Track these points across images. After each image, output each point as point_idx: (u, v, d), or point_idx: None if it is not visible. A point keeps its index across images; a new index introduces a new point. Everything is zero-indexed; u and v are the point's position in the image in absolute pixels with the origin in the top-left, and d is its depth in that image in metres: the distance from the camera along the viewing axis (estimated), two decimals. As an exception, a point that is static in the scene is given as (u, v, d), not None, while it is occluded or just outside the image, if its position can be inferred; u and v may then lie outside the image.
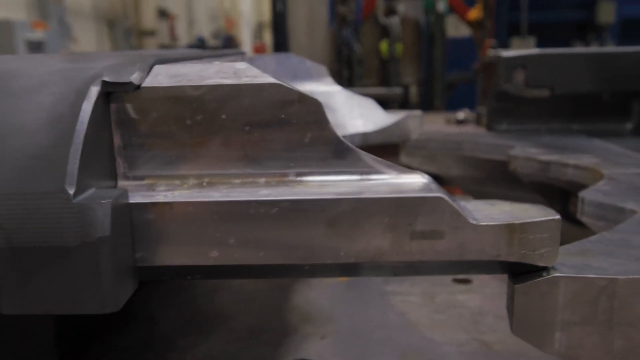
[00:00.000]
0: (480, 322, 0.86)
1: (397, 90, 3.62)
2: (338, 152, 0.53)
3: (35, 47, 5.23)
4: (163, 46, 8.13)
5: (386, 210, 0.49)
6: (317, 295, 0.98)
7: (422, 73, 5.73)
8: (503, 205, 0.53)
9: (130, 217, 0.50)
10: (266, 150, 0.53)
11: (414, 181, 0.51)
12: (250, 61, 0.91)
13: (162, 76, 0.54)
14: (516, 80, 1.20)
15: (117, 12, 8.42)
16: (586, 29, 6.78)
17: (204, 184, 0.53)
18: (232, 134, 0.53)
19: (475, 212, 0.51)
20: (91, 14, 7.81)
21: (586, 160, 0.95)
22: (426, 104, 5.59)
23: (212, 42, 8.44)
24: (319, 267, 0.51)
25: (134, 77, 0.52)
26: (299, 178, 0.53)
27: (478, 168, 1.17)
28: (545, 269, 0.51)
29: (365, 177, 0.52)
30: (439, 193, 0.48)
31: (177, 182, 0.53)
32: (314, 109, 0.52)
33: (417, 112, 1.21)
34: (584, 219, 0.74)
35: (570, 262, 0.52)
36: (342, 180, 0.52)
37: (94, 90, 0.50)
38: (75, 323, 0.78)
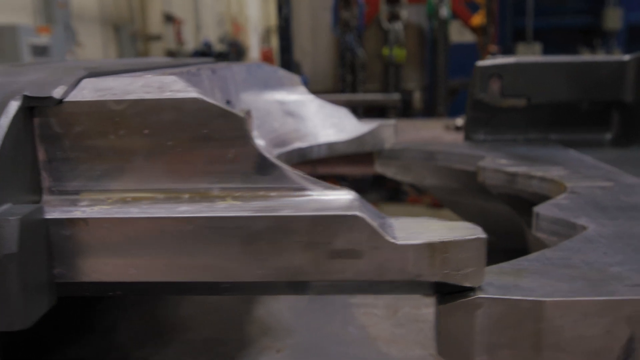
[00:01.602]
0: (440, 337, 0.84)
1: (395, 96, 3.59)
2: (262, 168, 0.52)
3: (40, 51, 5.28)
4: (169, 51, 8.19)
5: (304, 228, 0.48)
6: (280, 306, 0.97)
7: (426, 79, 5.71)
8: (432, 224, 0.52)
9: (47, 233, 0.49)
10: (189, 165, 0.52)
11: (338, 198, 0.50)
12: (213, 72, 0.91)
13: (88, 90, 0.53)
14: (492, 90, 1.19)
15: (123, 17, 8.48)
16: (593, 35, 6.72)
17: (129, 199, 0.52)
18: (155, 149, 0.52)
19: (399, 231, 0.49)
20: (97, 19, 7.87)
21: (554, 172, 0.93)
22: (429, 110, 5.57)
23: (218, 46, 8.46)
24: (239, 285, 0.50)
25: (56, 92, 0.51)
26: (222, 194, 0.52)
27: (452, 178, 1.16)
28: (472, 289, 0.49)
29: (288, 193, 0.51)
30: (357, 212, 0.47)
31: (102, 197, 0.53)
32: (236, 125, 0.51)
33: (391, 121, 1.21)
34: (539, 235, 0.73)
35: (499, 282, 0.51)
36: (265, 197, 0.51)
37: (14, 105, 0.50)
38: (24, 335, 0.77)
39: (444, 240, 0.48)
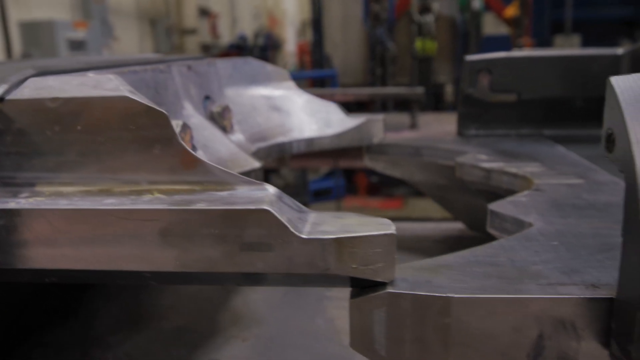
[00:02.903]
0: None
1: (418, 90, 3.54)
2: (186, 163, 0.54)
3: (77, 46, 5.45)
4: (204, 44, 8.31)
5: (215, 221, 0.49)
6: (256, 297, 0.99)
7: (457, 72, 5.63)
8: (349, 219, 0.53)
9: (-16, 222, 0.52)
10: (120, 160, 0.54)
11: (256, 193, 0.52)
12: (190, 68, 0.93)
13: (29, 89, 0.56)
14: (481, 85, 1.18)
15: (159, 11, 8.65)
16: (634, 27, 6.49)
17: (63, 192, 0.55)
18: (88, 145, 0.54)
19: (313, 226, 0.51)
20: (133, 13, 8.06)
21: (528, 168, 0.92)
22: (461, 103, 5.49)
23: (254, 40, 8.53)
24: (160, 274, 0.52)
25: (-2, 90, 0.55)
26: (150, 188, 0.54)
27: (438, 174, 1.15)
28: (384, 284, 0.50)
29: (212, 187, 0.53)
30: (266, 206, 0.49)
31: (41, 190, 0.56)
32: (161, 122, 0.53)
33: (379, 117, 1.21)
34: (492, 231, 0.73)
35: (413, 278, 0.51)
36: (189, 191, 0.53)
37: (-42, 102, 0.53)
38: (3, 320, 0.82)
39: (351, 235, 0.49)
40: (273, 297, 0.99)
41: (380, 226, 0.50)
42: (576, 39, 6.53)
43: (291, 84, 1.19)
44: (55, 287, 1.00)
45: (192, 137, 0.78)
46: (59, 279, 0.55)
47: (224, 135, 0.90)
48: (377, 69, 5.37)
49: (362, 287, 0.51)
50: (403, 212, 5.39)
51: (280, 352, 0.82)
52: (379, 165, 1.22)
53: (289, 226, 0.48)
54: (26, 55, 5.16)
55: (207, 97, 0.97)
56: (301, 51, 9.26)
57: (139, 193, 0.54)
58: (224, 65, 1.08)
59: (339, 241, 0.48)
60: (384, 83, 5.31)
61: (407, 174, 1.21)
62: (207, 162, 0.54)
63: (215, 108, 0.95)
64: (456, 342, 0.49)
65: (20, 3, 5.75)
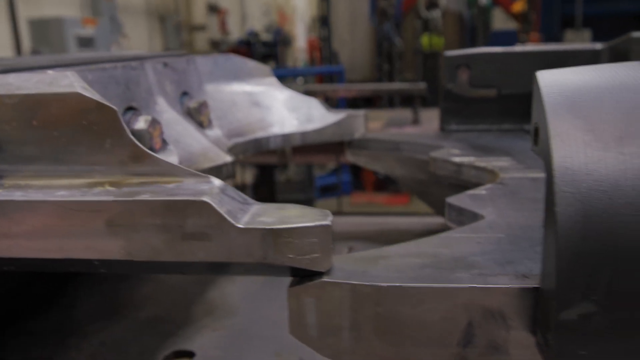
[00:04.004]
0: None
1: (421, 85, 3.54)
2: (136, 157, 0.56)
3: (86, 43, 5.51)
4: (213, 41, 8.35)
5: (157, 212, 0.51)
6: (233, 289, 1.02)
7: (465, 67, 5.61)
8: (290, 210, 0.54)
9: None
10: (74, 155, 0.57)
11: (200, 186, 0.54)
12: (165, 65, 0.96)
13: (-10, 85, 0.59)
14: (460, 80, 1.19)
15: (168, 8, 8.71)
16: (647, 21, 6.42)
17: (22, 185, 0.58)
18: (44, 139, 0.57)
19: (254, 216, 0.53)
20: (143, 10, 8.11)
21: (498, 163, 0.93)
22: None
23: (264, 36, 8.55)
24: (108, 262, 0.54)
25: (-41, 87, 0.57)
26: (102, 180, 0.56)
27: (418, 169, 1.17)
28: (320, 273, 0.52)
29: (160, 180, 0.55)
30: (206, 198, 0.51)
31: (3, 182, 0.58)
32: (110, 117, 0.56)
33: (360, 112, 1.22)
34: (450, 224, 0.74)
35: (350, 268, 0.53)
36: (139, 184, 0.55)
37: None
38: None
39: (287, 226, 0.50)
40: (249, 289, 1.01)
41: (318, 217, 0.52)
42: (587, 33, 6.47)
43: (273, 80, 1.21)
44: (39, 277, 1.03)
45: (162, 132, 0.80)
46: (16, 268, 0.58)
47: (197, 131, 0.92)
48: (384, 64, 5.37)
49: (302, 276, 0.53)
50: (409, 207, 5.40)
51: (248, 342, 0.84)
52: (361, 160, 1.24)
53: (227, 217, 0.50)
54: (35, 52, 5.24)
55: (185, 93, 1.00)
56: (311, 47, 9.27)
57: (91, 185, 0.56)
58: (204, 62, 1.11)
59: (275, 231, 0.50)
60: (390, 79, 5.31)
61: (387, 168, 1.22)
62: (156, 155, 0.56)
63: (192, 104, 0.98)
64: (388, 330, 0.50)
65: (30, 0, 5.84)
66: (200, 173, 0.56)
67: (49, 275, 1.05)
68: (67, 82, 0.57)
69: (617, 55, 1.11)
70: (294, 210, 0.55)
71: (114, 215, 0.52)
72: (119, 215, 0.52)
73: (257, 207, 0.55)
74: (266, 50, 7.98)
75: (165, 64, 0.95)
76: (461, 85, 1.19)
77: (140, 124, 0.76)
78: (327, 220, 0.52)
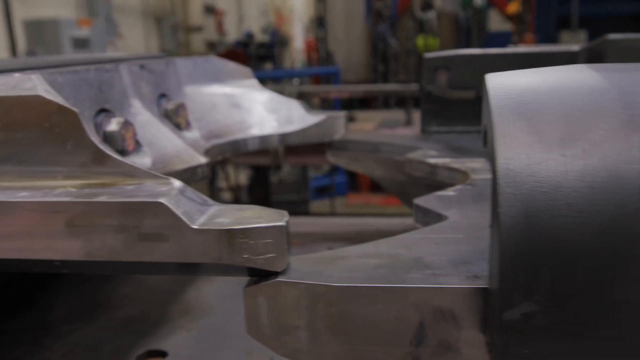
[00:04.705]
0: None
1: (413, 87, 3.56)
2: (97, 158, 0.57)
3: (81, 44, 5.52)
4: (210, 42, 8.37)
5: (115, 213, 0.52)
6: (211, 289, 1.02)
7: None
8: (248, 211, 0.55)
9: None
10: (37, 156, 0.58)
11: (159, 187, 0.55)
12: (142, 67, 0.96)
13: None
14: (439, 82, 1.19)
15: (165, 8, 8.73)
16: (643, 22, 6.43)
17: (-14, 184, 0.58)
18: (6, 141, 0.58)
19: (210, 217, 0.53)
20: (139, 11, 8.13)
21: (473, 164, 0.93)
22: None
23: (261, 37, 8.56)
24: (68, 263, 0.55)
25: None
26: (63, 182, 0.57)
27: (397, 170, 1.17)
28: (276, 273, 0.53)
29: (121, 181, 0.56)
30: (162, 199, 0.51)
31: (-32, 183, 0.59)
32: (72, 119, 0.56)
33: (340, 113, 1.23)
34: (417, 225, 0.75)
35: (306, 269, 0.54)
36: (100, 185, 0.56)
37: None
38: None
39: (242, 227, 0.51)
40: (226, 289, 1.02)
41: (274, 218, 0.53)
42: (582, 34, 6.48)
43: (254, 81, 1.22)
44: (17, 278, 1.04)
45: (135, 134, 0.81)
46: (-19, 267, 0.58)
47: (172, 132, 0.92)
48: (379, 65, 5.38)
49: (258, 276, 0.54)
50: (405, 208, 5.40)
51: (220, 341, 0.84)
52: (342, 162, 1.25)
53: (183, 218, 0.51)
54: (31, 53, 5.25)
55: (163, 95, 1.00)
56: (309, 48, 9.28)
57: (53, 187, 0.57)
58: (184, 64, 1.11)
59: (230, 232, 0.51)
60: (386, 80, 5.32)
61: (368, 169, 1.23)
62: (117, 157, 0.57)
63: (170, 106, 0.98)
64: (342, 329, 0.51)
65: (26, 1, 5.85)
66: (160, 175, 0.57)
67: (29, 277, 1.05)
68: (31, 85, 0.58)
69: (593, 57, 1.12)
70: (252, 211, 0.55)
71: (73, 216, 0.53)
72: (78, 216, 0.53)
73: (216, 208, 0.56)
74: (263, 51, 7.99)
75: (142, 66, 0.96)
76: (440, 87, 1.19)
77: (113, 125, 0.77)
78: (283, 221, 0.52)
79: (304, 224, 1.50)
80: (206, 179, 0.91)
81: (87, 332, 0.89)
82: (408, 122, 1.75)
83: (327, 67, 5.65)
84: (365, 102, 5.44)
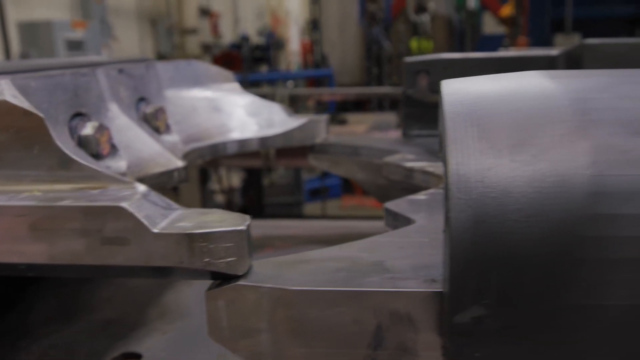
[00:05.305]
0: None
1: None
2: (64, 163, 0.57)
3: (75, 46, 5.52)
4: (205, 44, 8.38)
5: (77, 217, 0.53)
6: (190, 292, 1.03)
7: (454, 71, 5.64)
8: (211, 215, 0.56)
9: None
10: (3, 160, 0.58)
11: (123, 192, 0.56)
12: (121, 71, 0.97)
13: None
14: (420, 86, 1.20)
15: (160, 11, 8.74)
16: (636, 25, 6.46)
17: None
18: (-26, 145, 0.58)
19: (172, 222, 0.54)
20: (134, 13, 8.14)
21: (448, 168, 0.94)
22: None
23: (256, 39, 8.57)
24: (33, 266, 0.56)
25: None
26: (30, 186, 0.58)
27: (378, 174, 1.18)
28: (237, 277, 0.53)
29: (86, 186, 0.57)
30: (123, 204, 0.52)
31: None
32: (38, 124, 0.57)
33: (322, 117, 1.24)
34: (387, 229, 0.75)
35: (267, 272, 0.54)
36: (65, 189, 0.57)
37: None
38: None
39: (202, 231, 0.52)
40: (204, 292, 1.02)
41: (235, 223, 0.53)
42: (576, 37, 6.50)
43: (235, 85, 1.23)
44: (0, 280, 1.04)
45: (110, 138, 0.81)
46: (-53, 271, 0.59)
47: (150, 136, 0.93)
48: (373, 68, 5.40)
49: (222, 279, 0.54)
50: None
51: (194, 343, 0.85)
52: (323, 165, 1.25)
53: (144, 222, 0.52)
54: (24, 56, 5.25)
55: (142, 99, 1.01)
56: (305, 50, 9.29)
57: (19, 191, 0.57)
58: (165, 68, 1.12)
59: (190, 236, 0.52)
60: (379, 82, 5.34)
61: (349, 173, 1.24)
62: (83, 162, 0.58)
63: (149, 110, 0.99)
64: (300, 332, 0.52)
65: (20, 3, 5.85)
66: (125, 179, 0.58)
67: (8, 280, 1.06)
68: (-3, 90, 0.59)
69: (571, 62, 1.13)
70: (215, 215, 0.56)
71: (37, 220, 0.54)
72: (42, 220, 0.53)
73: (179, 212, 0.57)
74: (259, 54, 8.00)
75: (121, 70, 0.96)
76: (421, 91, 1.20)
77: (87, 129, 0.78)
78: (244, 225, 0.53)
79: (290, 227, 1.51)
80: (183, 183, 0.92)
81: (64, 335, 0.89)
82: (400, 125, 1.75)
83: (321, 69, 5.66)
84: (359, 105, 5.46)
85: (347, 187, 5.84)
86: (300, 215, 4.57)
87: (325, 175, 5.29)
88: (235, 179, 4.60)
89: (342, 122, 3.94)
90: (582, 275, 0.43)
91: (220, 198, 4.46)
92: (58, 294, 1.04)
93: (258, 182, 4.30)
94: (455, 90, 0.50)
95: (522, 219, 0.44)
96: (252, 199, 4.28)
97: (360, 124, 3.67)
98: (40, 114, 0.57)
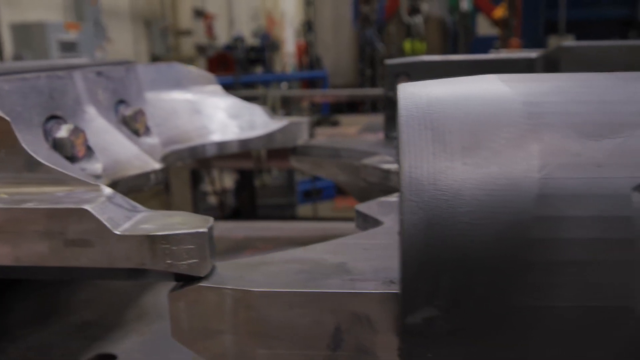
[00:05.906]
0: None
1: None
2: (30, 166, 0.58)
3: (69, 48, 5.53)
4: (199, 45, 8.39)
5: (41, 219, 0.53)
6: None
7: (448, 72, 5.65)
8: (175, 217, 0.56)
9: None
10: (-30, 163, 0.59)
11: (89, 195, 0.56)
12: (99, 74, 0.98)
13: None
14: (400, 89, 1.21)
15: (154, 12, 8.74)
16: (629, 27, 6.48)
17: None
18: (-59, 148, 0.59)
19: (135, 224, 0.55)
20: (128, 14, 8.14)
21: (424, 170, 0.95)
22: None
23: (251, 40, 8.58)
24: (1, 268, 0.56)
25: None
26: (-3, 188, 0.58)
27: (357, 175, 1.19)
28: (200, 279, 0.54)
29: (52, 189, 0.57)
30: (86, 206, 0.53)
31: None
32: (4, 128, 0.58)
33: (303, 119, 1.25)
34: (357, 231, 0.76)
35: (229, 274, 0.55)
36: (32, 192, 0.57)
37: None
38: None
39: (163, 233, 0.52)
40: (184, 294, 1.03)
41: (198, 225, 0.54)
42: (570, 39, 6.53)
43: (217, 87, 1.23)
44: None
45: (86, 140, 0.82)
46: None
47: (127, 139, 0.94)
48: (367, 70, 5.41)
49: (184, 281, 0.55)
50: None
51: (169, 345, 0.85)
52: (305, 167, 1.26)
53: (106, 224, 0.52)
54: (17, 57, 5.24)
55: (121, 102, 1.02)
56: (300, 52, 9.30)
57: (-14, 194, 0.58)
58: (146, 70, 1.12)
59: (151, 238, 0.52)
60: (373, 84, 5.35)
61: (331, 174, 1.25)
62: (50, 165, 0.58)
63: (128, 112, 0.99)
64: (261, 333, 0.52)
65: (13, 4, 5.85)
66: (91, 182, 0.58)
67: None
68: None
69: (550, 64, 1.14)
70: (179, 217, 0.57)
71: (1, 222, 0.54)
72: (6, 222, 0.54)
73: (143, 214, 0.57)
74: (254, 55, 8.00)
75: (99, 73, 0.97)
76: (401, 93, 1.21)
77: (62, 132, 0.78)
78: (206, 227, 0.54)
79: (275, 228, 1.51)
80: (161, 185, 0.92)
81: (41, 336, 0.90)
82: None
83: (315, 71, 5.67)
84: (353, 106, 5.47)
85: (341, 188, 5.84)
86: (293, 217, 4.58)
87: (317, 176, 5.30)
88: (228, 181, 4.60)
89: (335, 123, 3.96)
90: (531, 277, 0.44)
91: (212, 200, 4.46)
92: (37, 295, 1.05)
93: (251, 183, 4.30)
94: (411, 94, 0.51)
95: (472, 222, 0.44)
96: (245, 201, 4.28)
97: (352, 125, 3.68)
98: (7, 118, 0.58)
